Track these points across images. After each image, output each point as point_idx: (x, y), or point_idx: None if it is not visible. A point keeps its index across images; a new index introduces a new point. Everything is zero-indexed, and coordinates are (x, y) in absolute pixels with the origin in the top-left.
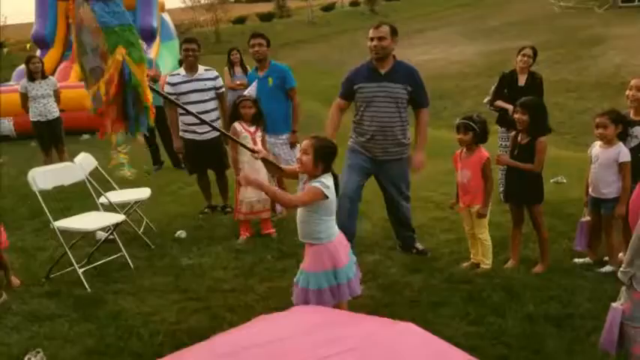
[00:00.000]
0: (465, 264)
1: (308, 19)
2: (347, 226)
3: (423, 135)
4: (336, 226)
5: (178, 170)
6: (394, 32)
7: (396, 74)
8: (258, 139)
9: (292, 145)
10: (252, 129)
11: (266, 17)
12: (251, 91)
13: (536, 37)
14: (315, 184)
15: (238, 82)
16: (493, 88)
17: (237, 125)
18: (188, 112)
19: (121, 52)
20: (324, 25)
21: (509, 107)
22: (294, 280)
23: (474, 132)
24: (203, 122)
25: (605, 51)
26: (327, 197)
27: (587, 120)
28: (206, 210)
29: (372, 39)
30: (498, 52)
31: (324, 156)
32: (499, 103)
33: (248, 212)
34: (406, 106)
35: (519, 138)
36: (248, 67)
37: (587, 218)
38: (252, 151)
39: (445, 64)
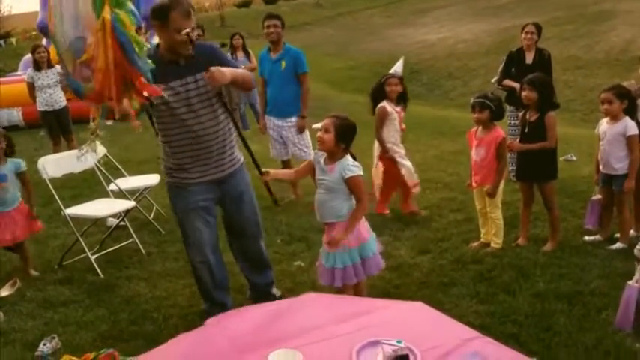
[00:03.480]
0: (474, 244)
1: (314, 1)
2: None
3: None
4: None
5: None
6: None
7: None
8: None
9: (300, 130)
10: (399, 108)
11: (271, 0)
12: (398, 68)
13: (546, 14)
14: (353, 174)
15: (242, 68)
16: (501, 67)
17: (387, 105)
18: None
19: (108, 11)
20: (330, 7)
21: (517, 86)
22: (318, 262)
23: (490, 110)
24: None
25: (615, 26)
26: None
27: (597, 97)
28: None
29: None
30: (507, 29)
31: (345, 134)
32: (507, 81)
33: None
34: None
35: (528, 115)
36: (250, 51)
37: (598, 197)
38: (259, 171)
39: (453, 43)
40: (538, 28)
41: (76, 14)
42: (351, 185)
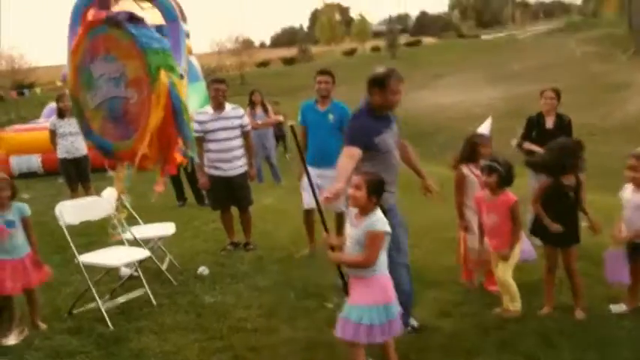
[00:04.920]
0: (497, 309)
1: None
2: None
3: None
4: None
5: (201, 207)
6: None
7: None
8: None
9: None
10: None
11: (289, 61)
12: (484, 129)
13: (558, 82)
14: (375, 229)
15: (260, 122)
16: (522, 131)
17: (464, 169)
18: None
19: (165, 75)
20: (346, 70)
21: (538, 150)
22: (341, 315)
23: (499, 174)
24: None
25: (630, 96)
26: (388, 233)
27: (613, 164)
28: (228, 247)
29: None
30: (520, 95)
31: (376, 190)
32: (527, 145)
33: (475, 262)
34: None
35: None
36: (269, 106)
37: (613, 250)
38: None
39: (466, 107)
40: (557, 93)
41: (120, 76)
42: (367, 237)
